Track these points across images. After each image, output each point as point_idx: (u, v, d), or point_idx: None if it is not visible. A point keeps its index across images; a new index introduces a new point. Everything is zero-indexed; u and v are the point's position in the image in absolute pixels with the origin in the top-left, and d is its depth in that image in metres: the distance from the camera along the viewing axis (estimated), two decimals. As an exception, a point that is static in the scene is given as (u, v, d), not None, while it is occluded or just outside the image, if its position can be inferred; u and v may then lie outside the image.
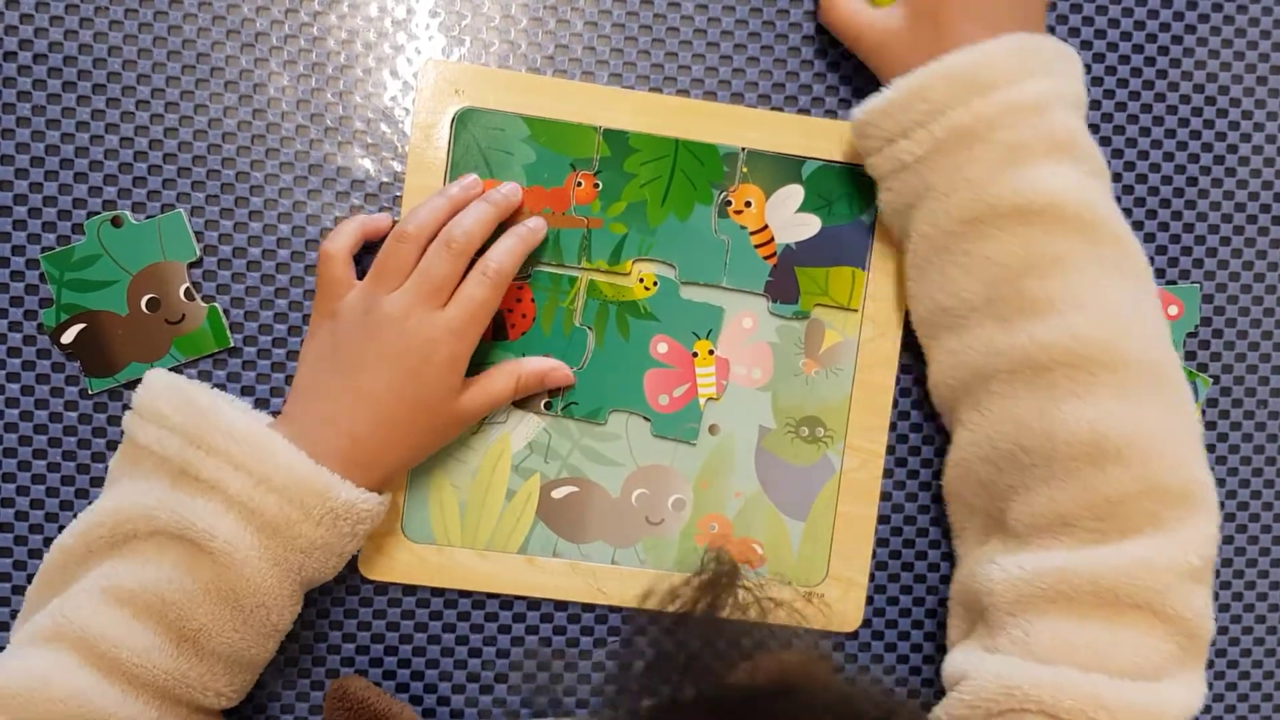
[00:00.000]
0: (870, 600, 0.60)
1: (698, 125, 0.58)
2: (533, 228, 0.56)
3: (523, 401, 0.58)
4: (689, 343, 0.59)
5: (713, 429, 0.59)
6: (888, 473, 0.60)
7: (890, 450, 0.60)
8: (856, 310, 0.59)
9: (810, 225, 0.59)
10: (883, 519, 0.60)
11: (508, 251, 0.54)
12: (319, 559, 0.51)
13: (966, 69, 0.51)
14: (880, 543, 0.60)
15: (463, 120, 0.57)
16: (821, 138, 0.59)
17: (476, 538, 0.58)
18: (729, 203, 0.59)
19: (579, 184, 0.58)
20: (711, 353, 0.59)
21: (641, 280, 0.58)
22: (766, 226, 0.59)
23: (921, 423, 0.60)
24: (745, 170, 0.59)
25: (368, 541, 0.57)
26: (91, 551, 0.50)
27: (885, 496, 0.60)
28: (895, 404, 0.60)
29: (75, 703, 0.47)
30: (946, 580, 0.60)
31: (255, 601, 0.50)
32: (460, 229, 0.53)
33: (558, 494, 0.59)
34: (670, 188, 0.58)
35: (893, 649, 0.60)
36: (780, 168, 0.59)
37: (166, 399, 0.51)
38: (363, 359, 0.52)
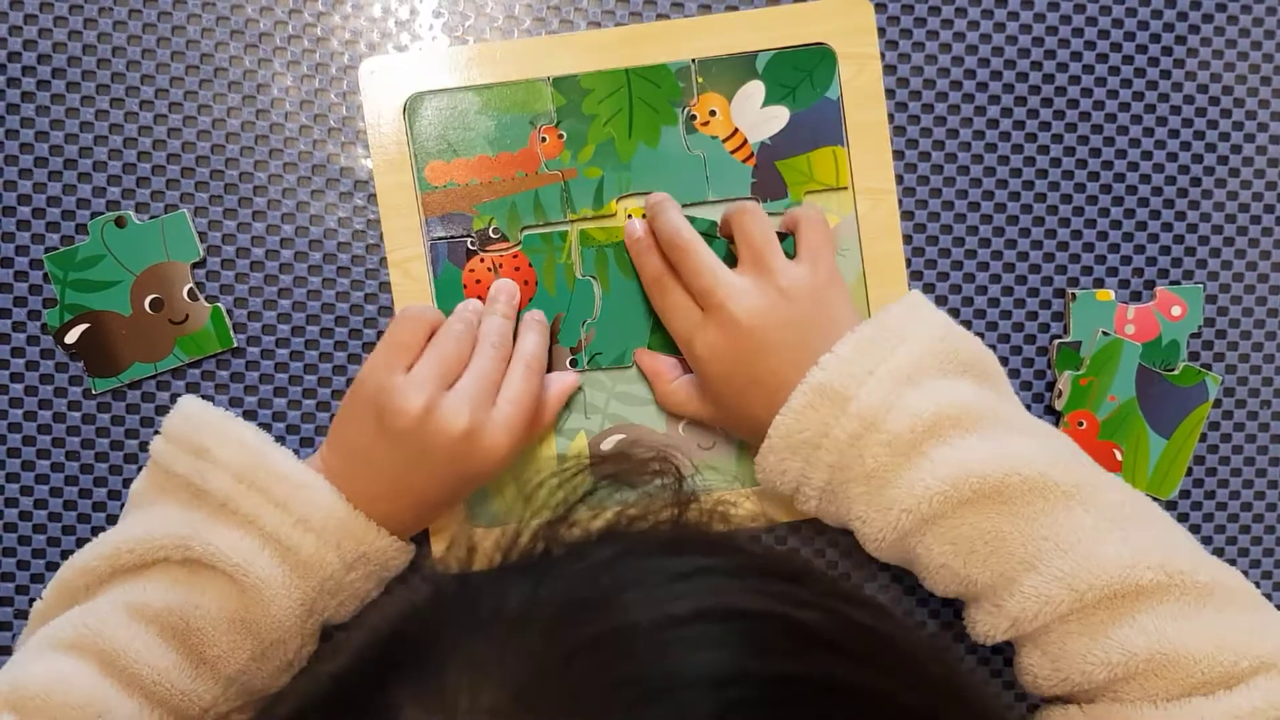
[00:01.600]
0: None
1: (642, 49, 0.58)
2: (539, 319, 0.57)
3: (549, 365, 0.58)
4: None
5: None
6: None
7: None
8: (846, 187, 0.59)
9: (779, 117, 0.59)
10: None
11: (537, 343, 0.55)
12: (342, 600, 0.52)
13: (786, 442, 0.50)
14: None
15: (413, 109, 0.57)
16: (767, 28, 0.58)
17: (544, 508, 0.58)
18: (694, 117, 0.58)
19: (544, 139, 0.58)
20: None
21: (630, 216, 0.58)
22: (737, 130, 0.58)
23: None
24: (701, 80, 0.58)
25: (435, 537, 0.57)
26: (117, 572, 0.50)
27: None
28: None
29: (92, 710, 0.47)
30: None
31: (275, 636, 0.50)
32: (495, 331, 0.54)
33: (606, 445, 0.58)
34: (633, 118, 0.58)
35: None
36: (735, 68, 0.58)
37: (210, 433, 0.51)
38: (414, 459, 0.51)
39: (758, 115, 0.58)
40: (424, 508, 0.53)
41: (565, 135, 0.58)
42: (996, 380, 0.52)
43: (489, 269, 0.58)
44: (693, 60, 0.58)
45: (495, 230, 0.57)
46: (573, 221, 0.58)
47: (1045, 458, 0.48)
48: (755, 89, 0.58)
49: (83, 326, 0.57)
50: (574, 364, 0.58)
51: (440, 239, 0.57)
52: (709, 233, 0.57)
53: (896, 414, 0.48)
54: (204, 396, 0.57)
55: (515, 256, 0.58)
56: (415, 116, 0.57)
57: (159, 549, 0.49)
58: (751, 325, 0.52)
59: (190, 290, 0.57)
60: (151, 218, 0.57)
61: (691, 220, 0.56)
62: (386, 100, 0.57)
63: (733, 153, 0.58)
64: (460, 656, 0.27)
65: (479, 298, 0.57)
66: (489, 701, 0.26)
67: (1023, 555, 0.47)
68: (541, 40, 0.58)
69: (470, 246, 0.57)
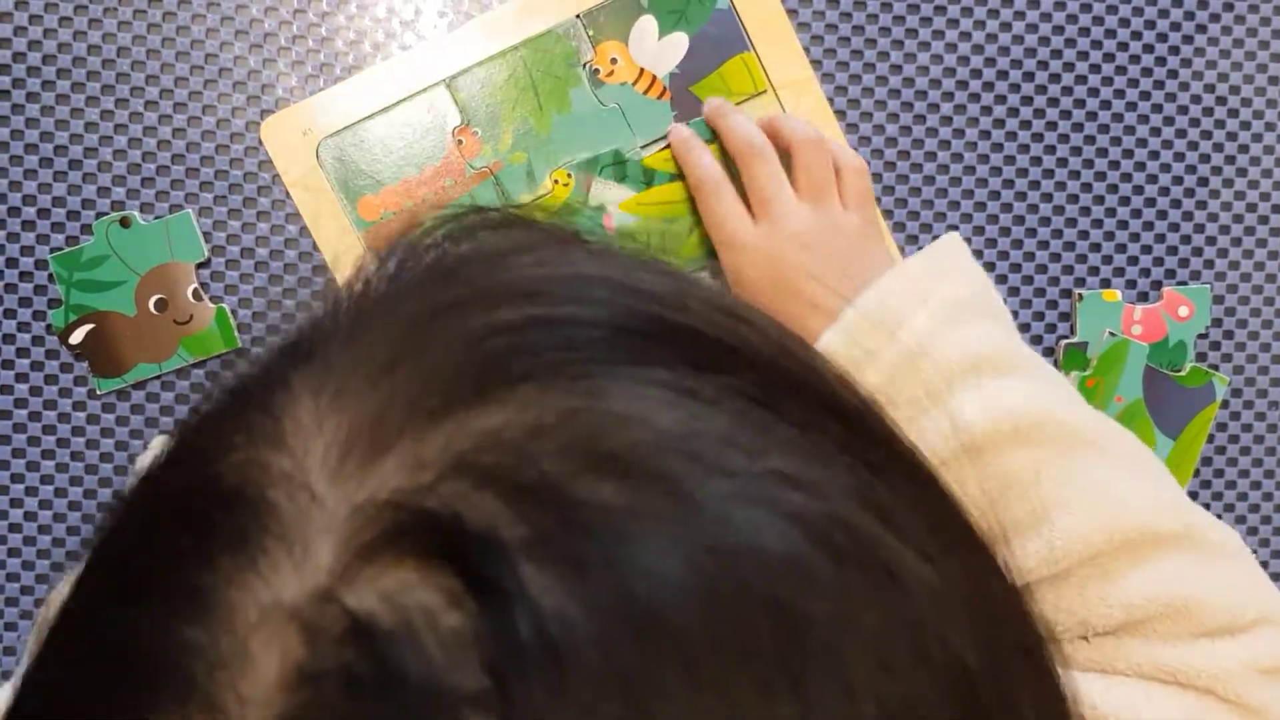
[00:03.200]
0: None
1: (524, 23, 0.57)
2: None
3: None
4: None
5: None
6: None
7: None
8: (766, 90, 0.59)
9: (679, 44, 0.58)
10: None
11: None
12: None
13: (833, 355, 0.49)
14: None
15: (324, 153, 0.57)
16: None
17: None
18: (597, 70, 0.58)
19: (460, 141, 0.57)
20: None
21: (557, 181, 0.58)
22: (643, 70, 0.58)
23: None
24: (591, 33, 0.58)
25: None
26: None
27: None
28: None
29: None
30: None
31: None
32: None
33: None
34: (538, 91, 0.58)
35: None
36: (620, 10, 0.58)
37: None
38: None
39: (657, 48, 0.58)
40: None
41: (479, 131, 0.57)
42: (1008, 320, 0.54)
43: None
44: (576, 16, 0.58)
45: None
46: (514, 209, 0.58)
47: (1076, 407, 0.49)
48: (647, 24, 0.58)
49: (87, 327, 0.57)
50: None
51: None
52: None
53: (944, 345, 0.48)
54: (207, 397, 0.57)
55: None
56: (328, 161, 0.57)
57: None
58: (807, 242, 0.53)
59: (195, 291, 0.57)
60: (156, 218, 0.57)
61: (610, 171, 0.57)
62: (295, 154, 0.57)
63: (645, 93, 0.58)
64: (340, 335, 0.24)
65: None
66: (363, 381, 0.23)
67: (1057, 496, 0.47)
68: (427, 46, 0.57)
69: None
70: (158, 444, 0.53)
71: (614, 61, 0.58)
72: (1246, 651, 0.46)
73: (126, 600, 0.22)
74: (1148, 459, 0.51)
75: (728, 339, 0.25)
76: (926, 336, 0.49)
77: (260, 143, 0.57)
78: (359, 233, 0.57)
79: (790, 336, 0.27)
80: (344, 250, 0.57)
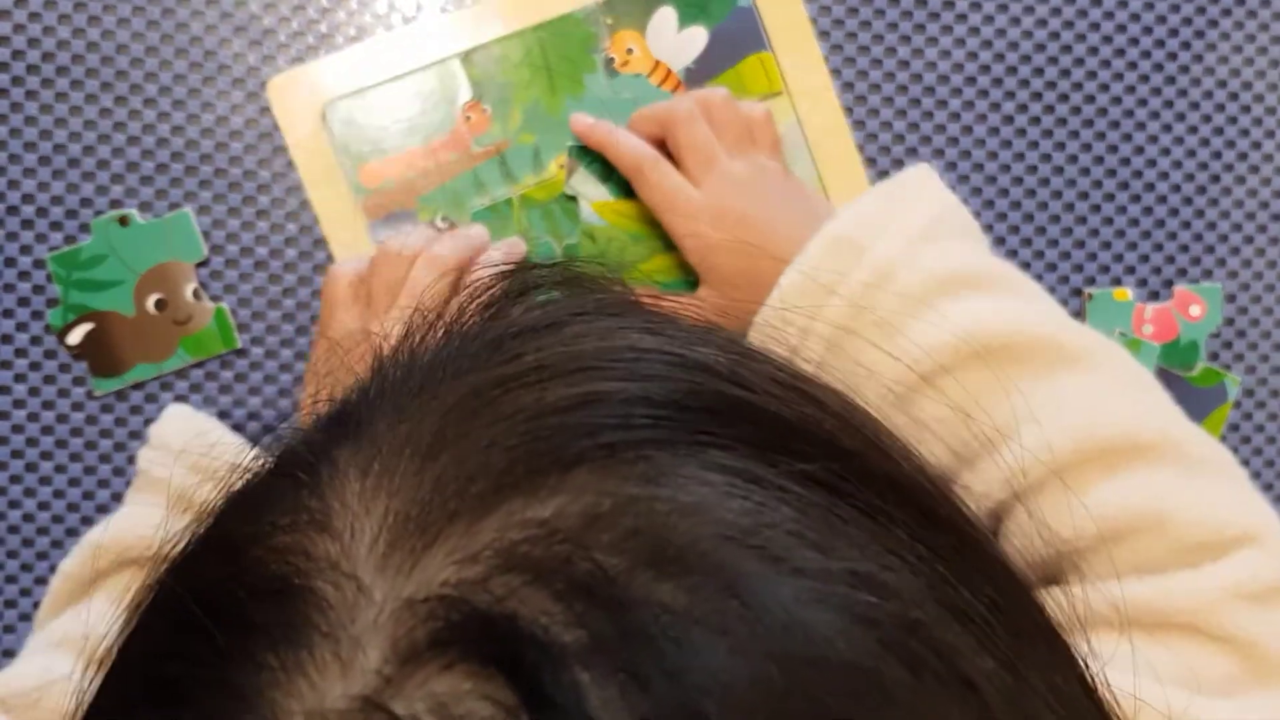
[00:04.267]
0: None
1: (546, 4, 0.57)
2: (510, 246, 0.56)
3: None
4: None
5: None
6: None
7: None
8: (781, 92, 0.58)
9: (698, 38, 0.58)
10: None
11: (448, 244, 0.53)
12: None
13: (803, 283, 0.48)
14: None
15: (331, 116, 0.56)
16: None
17: None
18: (612, 59, 0.57)
19: (469, 117, 0.57)
20: None
21: (562, 167, 0.57)
22: (659, 63, 0.57)
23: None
24: (610, 21, 0.57)
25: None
26: (100, 574, 0.50)
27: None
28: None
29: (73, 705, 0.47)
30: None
31: None
32: (444, 247, 0.53)
33: None
34: (552, 74, 0.57)
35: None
36: (641, 0, 0.57)
37: (176, 430, 0.51)
38: None
39: (675, 41, 0.57)
40: None
41: (489, 108, 0.57)
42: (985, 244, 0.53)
43: None
44: (598, 1, 0.57)
45: (443, 220, 0.57)
46: (516, 189, 0.57)
47: (1056, 322, 0.48)
48: (667, 15, 0.57)
49: (86, 327, 0.56)
50: None
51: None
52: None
53: (911, 267, 0.48)
54: (207, 397, 0.56)
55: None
56: (334, 124, 0.56)
57: (129, 548, 0.49)
58: (751, 190, 0.53)
59: (194, 290, 0.56)
60: (155, 217, 0.56)
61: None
62: (301, 114, 0.56)
63: (660, 85, 0.57)
64: (387, 409, 0.23)
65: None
66: (408, 439, 0.22)
67: (1026, 409, 0.46)
68: (445, 19, 0.57)
69: None
70: (171, 412, 0.53)
71: (630, 51, 0.57)
72: (1228, 576, 0.43)
73: (162, 703, 0.21)
74: (1137, 373, 0.49)
75: (790, 416, 0.23)
76: (893, 260, 0.47)
77: (265, 112, 0.57)
78: (358, 199, 0.57)
79: (854, 410, 0.25)
80: (339, 215, 0.56)
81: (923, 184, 0.51)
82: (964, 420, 0.47)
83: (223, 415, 0.57)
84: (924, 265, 0.47)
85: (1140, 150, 0.60)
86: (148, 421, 0.56)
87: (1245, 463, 0.61)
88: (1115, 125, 0.60)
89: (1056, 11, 0.60)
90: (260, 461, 0.24)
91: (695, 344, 0.25)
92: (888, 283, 0.47)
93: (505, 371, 0.23)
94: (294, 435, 0.25)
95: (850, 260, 0.48)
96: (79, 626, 0.48)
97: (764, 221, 0.52)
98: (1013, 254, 0.60)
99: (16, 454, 0.56)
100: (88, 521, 0.56)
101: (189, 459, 0.49)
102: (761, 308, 0.49)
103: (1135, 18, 0.60)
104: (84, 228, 0.56)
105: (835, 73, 0.59)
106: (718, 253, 0.53)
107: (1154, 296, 0.60)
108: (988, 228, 0.60)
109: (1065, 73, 0.60)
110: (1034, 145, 0.60)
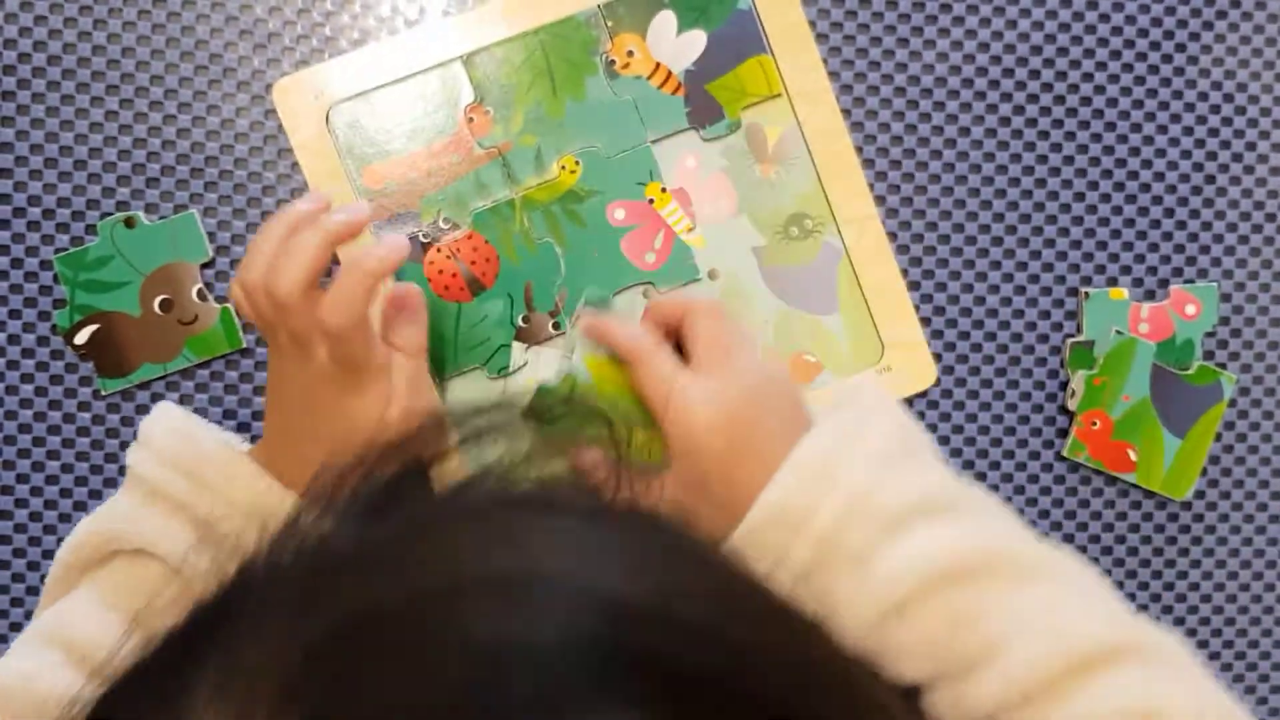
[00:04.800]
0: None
1: (547, 8, 0.58)
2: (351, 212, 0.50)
3: (532, 337, 0.58)
4: (639, 194, 0.58)
5: (712, 273, 0.59)
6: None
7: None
8: (781, 94, 0.59)
9: (697, 41, 0.58)
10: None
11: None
12: None
13: (772, 517, 0.47)
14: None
15: (335, 119, 0.57)
16: None
17: None
18: (613, 61, 0.58)
19: (471, 119, 0.58)
20: (664, 190, 0.58)
21: (564, 168, 0.58)
22: (659, 65, 0.58)
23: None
24: (611, 24, 0.58)
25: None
26: (87, 567, 0.51)
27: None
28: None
29: (53, 702, 0.47)
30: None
31: None
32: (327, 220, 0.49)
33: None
34: (554, 76, 0.58)
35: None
36: (641, 3, 0.58)
37: (160, 427, 0.51)
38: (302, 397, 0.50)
39: (675, 44, 0.58)
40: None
41: (491, 111, 0.58)
42: (937, 456, 0.52)
43: (448, 257, 0.58)
44: (598, 4, 0.58)
45: (445, 220, 0.57)
46: (518, 190, 0.58)
47: (1011, 537, 0.49)
48: (667, 18, 0.58)
49: (92, 327, 0.57)
50: (556, 326, 0.58)
51: None
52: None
53: (882, 493, 0.47)
54: (212, 397, 0.57)
55: (470, 238, 0.58)
56: (338, 126, 0.57)
57: (107, 541, 0.50)
58: (757, 395, 0.50)
59: (199, 291, 0.57)
60: (161, 218, 0.57)
61: (620, 158, 0.58)
62: (305, 116, 0.57)
63: (660, 87, 0.58)
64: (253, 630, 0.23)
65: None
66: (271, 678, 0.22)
67: (1007, 627, 0.47)
68: (448, 22, 0.57)
69: (423, 240, 0.57)
70: (158, 410, 0.53)
71: (630, 54, 0.58)
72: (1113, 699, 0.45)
73: None
74: (1090, 577, 0.50)
75: (721, 663, 0.22)
76: (867, 486, 0.47)
77: (270, 115, 0.57)
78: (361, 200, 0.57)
79: (815, 639, 0.24)
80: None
81: (873, 399, 0.51)
82: (948, 638, 0.47)
83: (228, 414, 0.57)
84: (894, 490, 0.47)
85: (1136, 151, 0.61)
86: (154, 421, 0.57)
87: (1240, 461, 0.61)
88: (1111, 127, 0.60)
89: (1052, 15, 0.60)
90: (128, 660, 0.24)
91: (602, 563, 0.23)
92: (862, 509, 0.47)
93: (375, 596, 0.21)
94: (161, 636, 0.24)
95: (823, 487, 0.47)
96: (58, 623, 0.49)
97: (758, 434, 0.50)
98: (1010, 254, 0.60)
99: (23, 453, 0.57)
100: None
101: (167, 456, 0.50)
102: (734, 536, 0.48)
103: (1131, 20, 0.60)
104: (90, 229, 0.57)
105: (834, 75, 0.59)
106: (700, 448, 0.50)
107: (1150, 296, 0.61)
108: (985, 229, 0.60)
109: (1062, 75, 0.60)
110: (1030, 146, 0.60)
